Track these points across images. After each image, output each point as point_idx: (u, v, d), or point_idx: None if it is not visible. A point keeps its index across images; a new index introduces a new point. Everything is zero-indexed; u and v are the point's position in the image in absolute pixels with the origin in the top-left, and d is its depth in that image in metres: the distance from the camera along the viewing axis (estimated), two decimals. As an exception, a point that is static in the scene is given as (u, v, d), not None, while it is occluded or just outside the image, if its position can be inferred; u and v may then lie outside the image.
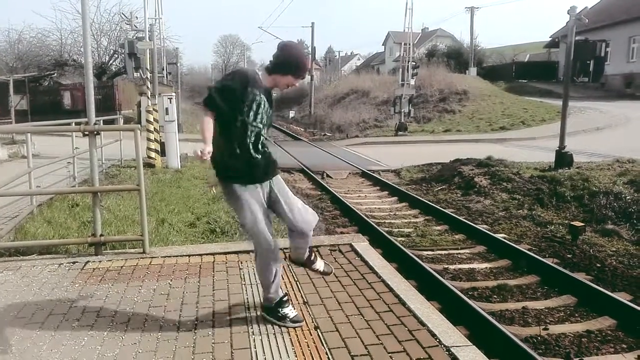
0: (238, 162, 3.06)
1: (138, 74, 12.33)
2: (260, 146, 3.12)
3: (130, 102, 26.33)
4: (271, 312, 3.32)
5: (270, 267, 3.22)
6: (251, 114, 3.02)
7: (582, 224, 7.35)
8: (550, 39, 41.02)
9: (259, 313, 3.44)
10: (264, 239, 3.13)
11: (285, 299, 3.34)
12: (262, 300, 3.43)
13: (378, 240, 6.88)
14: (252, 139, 3.07)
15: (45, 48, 31.31)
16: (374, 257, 4.68)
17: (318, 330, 3.23)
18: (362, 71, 52.17)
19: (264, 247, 3.15)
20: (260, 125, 3.09)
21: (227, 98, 2.95)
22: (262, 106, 3.06)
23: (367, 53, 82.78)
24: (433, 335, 3.15)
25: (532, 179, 10.29)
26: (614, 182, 9.09)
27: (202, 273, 4.24)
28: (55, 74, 29.01)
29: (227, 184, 3.12)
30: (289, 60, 3.07)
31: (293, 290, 3.87)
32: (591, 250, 6.67)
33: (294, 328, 3.25)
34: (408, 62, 23.92)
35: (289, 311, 3.31)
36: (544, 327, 4.52)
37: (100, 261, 4.56)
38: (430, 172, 13.21)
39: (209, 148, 2.90)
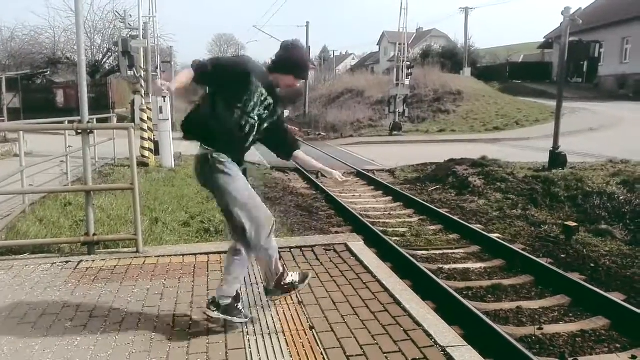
0: (229, 146, 2.99)
1: (132, 72, 12.23)
2: (251, 140, 3.09)
3: (124, 101, 26.19)
4: (278, 288, 3.30)
5: (273, 242, 3.17)
6: (251, 104, 2.97)
7: (576, 224, 7.39)
8: (544, 39, 41.21)
9: (253, 313, 3.43)
10: (263, 211, 3.08)
11: (282, 270, 3.30)
12: (266, 285, 3.37)
13: (373, 240, 6.87)
14: (246, 130, 3.02)
15: (38, 46, 31.06)
16: (369, 256, 4.67)
17: (313, 330, 3.22)
18: (357, 71, 52.19)
19: (266, 217, 3.07)
20: (255, 118, 3.02)
21: (225, 77, 2.91)
22: (264, 100, 3.02)
23: (361, 53, 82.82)
24: (428, 335, 3.14)
25: (526, 179, 10.33)
26: (608, 182, 9.15)
27: (197, 273, 4.21)
28: (48, 72, 28.82)
29: (218, 156, 2.98)
30: (291, 61, 3.07)
31: (288, 290, 3.85)
32: (585, 250, 6.69)
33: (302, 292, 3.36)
34: (402, 62, 23.96)
35: (292, 277, 3.32)
36: (538, 326, 4.53)
37: (93, 260, 4.53)
38: (424, 172, 13.23)
39: (172, 85, 2.79)
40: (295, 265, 4.39)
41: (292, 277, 3.34)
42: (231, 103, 2.94)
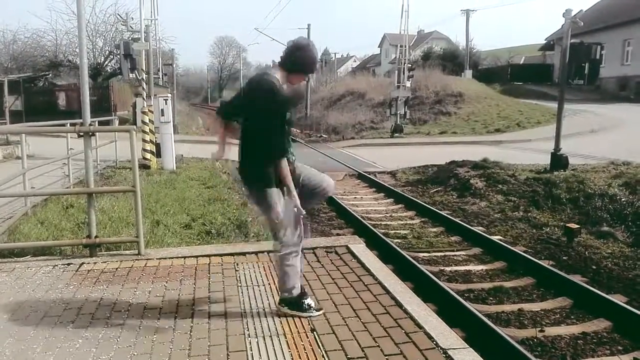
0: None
1: (133, 75, 12.24)
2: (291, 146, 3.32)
3: (126, 103, 26.27)
4: (294, 304, 3.39)
5: (299, 259, 3.39)
6: (290, 119, 3.22)
7: (578, 226, 7.38)
8: (546, 41, 41.20)
9: (255, 315, 3.43)
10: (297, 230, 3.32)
11: (305, 290, 3.50)
12: (282, 295, 3.44)
13: (374, 242, 6.87)
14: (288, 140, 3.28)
15: (40, 49, 31.14)
16: (371, 259, 4.67)
17: (315, 332, 3.22)
18: (358, 73, 52.19)
19: (299, 237, 3.33)
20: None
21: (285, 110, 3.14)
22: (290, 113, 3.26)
23: (363, 55, 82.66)
24: (430, 337, 3.14)
25: (528, 181, 10.32)
26: (609, 184, 9.12)
27: (198, 275, 4.22)
28: (50, 75, 28.88)
29: (267, 188, 3.21)
30: (309, 61, 3.21)
31: (289, 292, 3.85)
32: (586, 252, 6.69)
33: (308, 318, 3.37)
34: (404, 64, 23.96)
35: (312, 301, 3.45)
36: (540, 329, 4.52)
37: (95, 263, 4.54)
38: (426, 174, 13.23)
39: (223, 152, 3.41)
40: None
41: (312, 300, 3.49)
42: (279, 126, 3.14)
